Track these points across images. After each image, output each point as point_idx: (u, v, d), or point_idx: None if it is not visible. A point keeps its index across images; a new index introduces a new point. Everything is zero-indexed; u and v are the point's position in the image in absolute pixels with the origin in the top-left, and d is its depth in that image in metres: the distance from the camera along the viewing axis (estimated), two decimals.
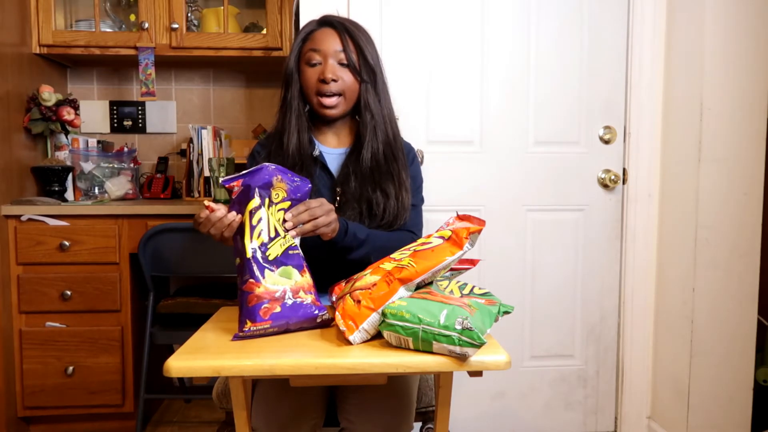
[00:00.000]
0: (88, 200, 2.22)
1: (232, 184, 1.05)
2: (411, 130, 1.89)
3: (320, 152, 1.37)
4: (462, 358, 0.89)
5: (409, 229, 1.36)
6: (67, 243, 2.02)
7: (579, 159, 2.00)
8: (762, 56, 1.74)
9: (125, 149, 2.43)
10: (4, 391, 1.99)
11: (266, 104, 2.60)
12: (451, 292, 1.03)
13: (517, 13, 1.95)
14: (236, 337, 1.00)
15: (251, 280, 1.01)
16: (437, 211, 1.87)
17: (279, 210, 1.09)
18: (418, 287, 1.01)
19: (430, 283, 1.04)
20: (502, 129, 1.97)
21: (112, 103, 2.55)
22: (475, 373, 0.95)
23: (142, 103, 2.55)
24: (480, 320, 0.91)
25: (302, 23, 1.83)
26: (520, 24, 1.95)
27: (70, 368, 2.06)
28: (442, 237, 1.01)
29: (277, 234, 1.06)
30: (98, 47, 2.25)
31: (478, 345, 0.87)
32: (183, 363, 0.89)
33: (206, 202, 1.05)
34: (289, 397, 1.17)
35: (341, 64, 1.32)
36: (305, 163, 1.32)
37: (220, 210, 1.05)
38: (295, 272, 1.06)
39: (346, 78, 1.32)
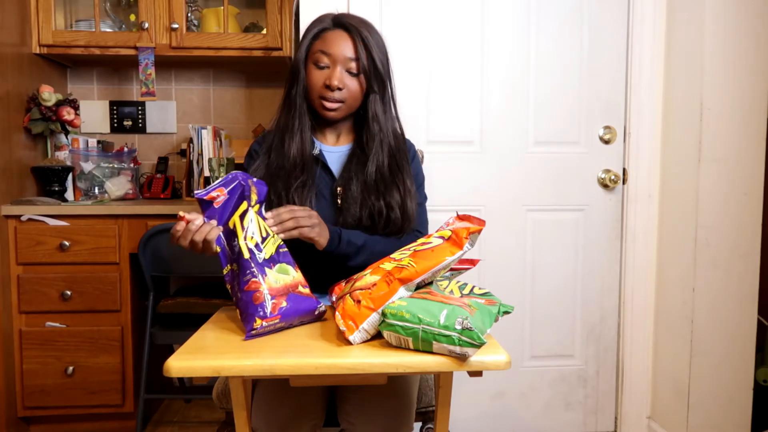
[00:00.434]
0: (88, 200, 2.22)
1: (213, 194, 1.03)
2: (411, 130, 1.89)
3: (320, 151, 1.35)
4: (462, 358, 0.89)
5: (416, 228, 1.35)
6: (67, 243, 2.02)
7: (579, 159, 2.00)
8: (762, 56, 1.74)
9: (125, 149, 2.43)
10: (4, 391, 1.99)
11: (266, 104, 2.60)
12: (451, 292, 1.03)
13: (517, 13, 1.95)
14: (249, 337, 1.00)
15: (253, 279, 1.01)
16: (437, 211, 1.87)
17: (257, 212, 1.11)
18: (418, 287, 1.01)
19: (430, 283, 1.04)
20: (502, 129, 1.97)
21: (112, 103, 2.55)
22: (475, 373, 0.95)
23: (142, 103, 2.55)
24: (480, 320, 0.91)
25: (302, 23, 1.82)
26: (520, 24, 1.95)
27: (70, 368, 2.06)
28: (442, 237, 1.01)
29: (268, 234, 1.08)
30: (98, 47, 2.25)
31: (478, 345, 0.87)
32: (183, 363, 0.89)
33: (181, 213, 1.02)
34: (289, 397, 1.16)
35: (350, 72, 1.29)
36: (306, 163, 1.30)
37: (198, 218, 1.03)
38: (290, 268, 1.08)
39: (352, 86, 1.29)
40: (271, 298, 1.02)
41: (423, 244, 1.03)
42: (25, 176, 2.15)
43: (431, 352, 0.90)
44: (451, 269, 1.13)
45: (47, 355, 2.05)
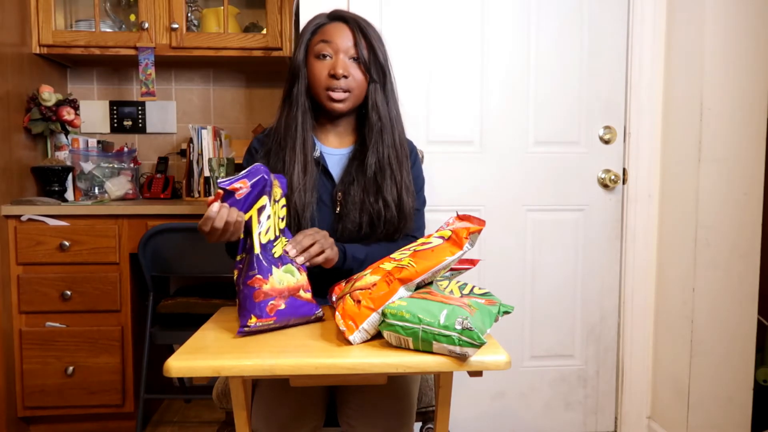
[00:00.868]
0: (88, 200, 2.22)
1: (236, 185, 1.02)
2: (411, 130, 1.89)
3: (321, 153, 1.34)
4: (462, 358, 0.89)
5: (411, 234, 1.35)
6: (67, 243, 2.02)
7: (579, 159, 2.00)
8: (762, 56, 1.74)
9: (125, 149, 2.43)
10: (4, 391, 1.99)
11: (266, 104, 2.60)
12: (451, 292, 1.03)
13: (517, 13, 1.95)
14: (241, 333, 1.01)
15: (258, 276, 1.02)
16: (437, 211, 1.87)
17: (282, 207, 1.12)
18: (418, 287, 1.01)
19: (430, 283, 1.04)
20: (502, 129, 1.97)
21: (112, 103, 2.55)
22: (475, 373, 0.95)
23: (142, 103, 2.55)
24: (480, 320, 0.91)
25: (302, 23, 1.82)
26: (520, 24, 1.95)
27: (70, 368, 2.06)
28: (442, 237, 1.01)
29: (279, 233, 1.09)
30: (98, 47, 2.25)
31: (478, 345, 0.87)
32: (183, 363, 0.89)
33: (211, 198, 1.01)
34: (289, 398, 1.16)
35: (352, 59, 1.28)
36: (308, 165, 1.29)
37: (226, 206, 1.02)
38: (295, 270, 1.09)
39: (356, 75, 1.28)
40: (271, 299, 1.03)
41: (423, 244, 1.03)
42: (25, 176, 2.16)
43: (431, 352, 0.90)
44: (451, 269, 1.13)
45: (47, 355, 2.05)
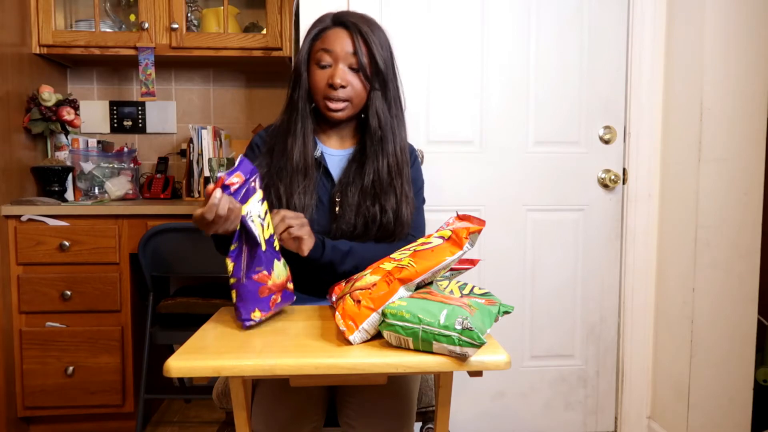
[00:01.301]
0: (88, 200, 2.22)
1: (233, 179, 1.01)
2: (411, 129, 1.88)
3: (322, 153, 1.34)
4: (462, 358, 0.89)
5: (411, 233, 1.34)
6: (67, 243, 2.02)
7: (579, 159, 2.00)
8: (762, 56, 1.74)
9: (125, 149, 2.43)
10: (4, 391, 1.99)
11: (266, 104, 2.60)
12: (451, 292, 1.03)
13: (517, 13, 1.95)
14: (248, 327, 1.04)
15: (264, 272, 1.04)
16: (437, 211, 1.87)
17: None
18: (418, 287, 1.01)
19: (430, 283, 1.04)
20: (502, 129, 1.97)
21: (112, 103, 2.55)
22: (475, 373, 0.95)
23: (142, 103, 2.55)
24: (480, 320, 0.91)
25: (302, 23, 1.82)
26: (520, 24, 1.95)
27: (70, 368, 2.06)
28: (442, 237, 1.01)
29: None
30: (98, 47, 2.25)
31: (478, 345, 0.87)
32: (183, 363, 0.89)
33: (210, 186, 0.99)
34: (289, 399, 1.16)
35: (352, 69, 1.27)
36: (308, 168, 1.29)
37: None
38: (284, 262, 1.12)
39: (356, 84, 1.27)
40: (273, 294, 1.06)
41: (423, 244, 1.03)
42: (25, 176, 2.15)
43: (431, 352, 0.90)
44: (451, 269, 1.13)
45: (47, 355, 2.05)
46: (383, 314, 0.94)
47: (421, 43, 1.94)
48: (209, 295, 2.06)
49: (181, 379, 2.35)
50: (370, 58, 1.27)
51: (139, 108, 2.55)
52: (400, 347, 0.93)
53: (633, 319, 2.01)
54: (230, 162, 2.26)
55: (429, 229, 1.38)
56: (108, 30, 2.31)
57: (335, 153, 1.37)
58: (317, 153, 1.33)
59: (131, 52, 2.26)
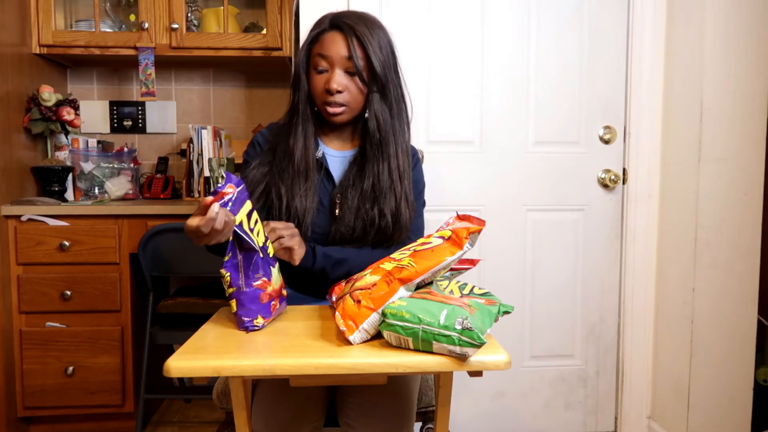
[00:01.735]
0: (88, 200, 2.22)
1: (226, 190, 1.00)
2: (411, 130, 1.89)
3: (323, 154, 1.34)
4: (462, 358, 0.89)
5: (409, 237, 1.33)
6: (67, 243, 2.02)
7: (579, 159, 2.00)
8: (762, 56, 1.74)
9: (125, 149, 2.43)
10: (4, 391, 1.99)
11: (266, 104, 2.60)
12: (451, 292, 1.03)
13: (517, 13, 1.95)
14: (251, 331, 1.04)
15: (264, 278, 1.05)
16: (437, 211, 1.87)
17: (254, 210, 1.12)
18: (418, 287, 1.01)
19: (430, 283, 1.04)
20: (502, 129, 1.97)
21: (112, 103, 2.55)
22: (475, 373, 0.95)
23: (142, 103, 2.55)
24: (480, 320, 0.91)
25: (302, 23, 1.82)
26: (520, 24, 1.95)
27: (70, 368, 2.06)
28: (442, 237, 1.01)
29: (267, 236, 1.11)
30: (98, 47, 2.25)
31: (478, 345, 0.87)
32: (183, 363, 0.89)
33: (208, 199, 0.97)
34: (289, 399, 1.16)
35: (348, 72, 1.26)
36: (310, 170, 1.29)
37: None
38: (278, 268, 1.12)
39: (352, 88, 1.26)
40: (272, 300, 1.06)
41: (423, 244, 1.03)
42: (25, 176, 2.16)
43: (431, 352, 0.90)
44: (451, 269, 1.13)
45: (47, 355, 2.05)
46: (383, 314, 0.94)
47: (421, 43, 1.94)
48: (209, 295, 2.06)
49: (181, 379, 2.35)
50: (366, 61, 1.25)
51: (139, 108, 2.55)
52: (400, 347, 0.93)
53: (633, 319, 2.01)
54: (230, 162, 2.26)
55: (429, 229, 1.38)
56: (108, 30, 2.31)
57: (337, 154, 1.37)
58: (319, 154, 1.33)
59: (131, 52, 2.26)
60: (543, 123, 1.98)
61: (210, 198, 0.96)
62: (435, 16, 1.93)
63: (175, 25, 2.23)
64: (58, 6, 2.29)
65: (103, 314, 2.07)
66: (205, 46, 2.26)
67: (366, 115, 1.31)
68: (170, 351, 2.11)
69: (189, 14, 2.34)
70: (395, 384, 1.17)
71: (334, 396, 1.25)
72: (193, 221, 0.95)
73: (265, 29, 2.30)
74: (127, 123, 2.55)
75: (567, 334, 2.05)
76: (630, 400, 2.04)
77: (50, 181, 2.19)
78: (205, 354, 0.92)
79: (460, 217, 1.03)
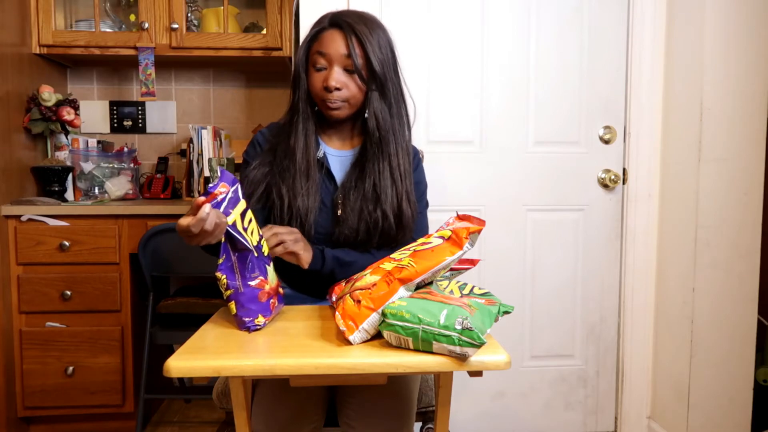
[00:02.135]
0: (88, 200, 2.22)
1: (220, 189, 1.00)
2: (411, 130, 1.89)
3: (324, 153, 1.34)
4: (462, 358, 0.89)
5: (413, 237, 1.34)
6: (67, 243, 2.02)
7: (579, 159, 2.00)
8: (762, 56, 1.74)
9: (125, 149, 2.43)
10: (4, 391, 1.99)
11: (266, 104, 2.60)
12: (451, 292, 1.03)
13: (517, 13, 1.95)
14: (253, 330, 1.04)
15: (261, 277, 1.05)
16: (437, 211, 1.86)
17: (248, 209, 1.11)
18: (418, 287, 1.01)
19: (430, 283, 1.04)
20: (502, 129, 1.97)
21: (112, 103, 2.55)
22: (475, 373, 0.95)
23: (142, 103, 2.55)
24: (480, 320, 0.91)
25: (302, 23, 1.82)
26: (520, 24, 1.95)
27: (70, 368, 2.06)
28: (442, 237, 1.01)
29: (261, 235, 1.11)
30: (98, 47, 2.25)
31: (478, 345, 0.87)
32: (183, 363, 0.89)
33: (200, 199, 0.96)
34: (289, 399, 1.16)
35: (347, 70, 1.26)
36: (311, 169, 1.29)
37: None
38: (273, 267, 1.13)
39: (351, 86, 1.26)
40: (271, 298, 1.07)
41: (423, 244, 1.03)
42: (25, 176, 2.15)
43: (431, 352, 0.90)
44: (451, 269, 1.13)
45: (47, 355, 2.05)
46: (383, 314, 0.94)
47: (421, 43, 1.94)
48: (209, 295, 2.06)
49: (181, 379, 2.35)
50: (365, 59, 1.25)
51: (139, 108, 2.55)
52: (400, 347, 0.93)
53: (633, 319, 2.01)
54: (230, 162, 2.26)
55: (429, 229, 1.38)
56: (108, 30, 2.31)
57: (338, 154, 1.36)
58: (320, 154, 1.33)
59: (131, 52, 2.26)
60: (543, 123, 1.98)
61: (202, 198, 0.96)
62: (435, 16, 1.93)
63: (175, 25, 2.23)
64: (58, 6, 2.29)
65: (103, 314, 2.07)
66: (205, 46, 2.26)
67: (366, 114, 1.31)
68: (170, 351, 2.11)
69: (189, 14, 2.34)
70: (395, 384, 1.17)
71: (334, 396, 1.25)
72: (184, 221, 0.95)
73: (265, 29, 2.30)
74: (127, 123, 2.55)
75: (567, 334, 2.05)
76: (630, 400, 2.04)
77: (50, 181, 2.19)
78: (205, 354, 0.92)
79: (460, 217, 1.03)
